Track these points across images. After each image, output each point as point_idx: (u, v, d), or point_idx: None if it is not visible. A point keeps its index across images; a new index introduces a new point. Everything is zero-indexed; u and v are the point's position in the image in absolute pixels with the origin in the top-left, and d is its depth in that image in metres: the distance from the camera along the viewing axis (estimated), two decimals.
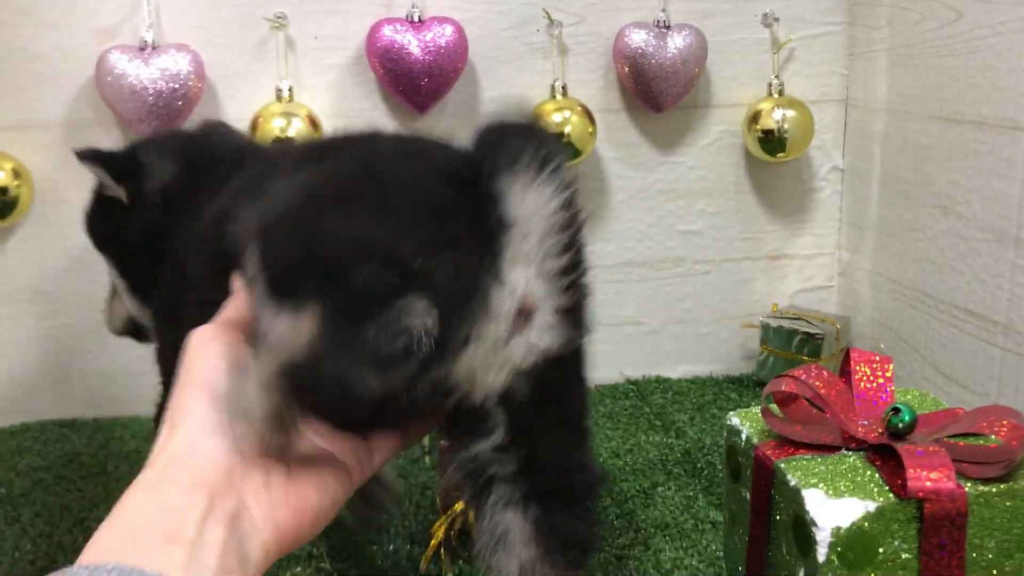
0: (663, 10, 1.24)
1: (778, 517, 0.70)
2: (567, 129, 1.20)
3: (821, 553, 0.64)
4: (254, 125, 1.17)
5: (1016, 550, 0.67)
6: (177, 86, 1.14)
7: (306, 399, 0.53)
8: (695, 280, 1.36)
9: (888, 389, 0.76)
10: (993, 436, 0.69)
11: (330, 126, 1.20)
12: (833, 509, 0.64)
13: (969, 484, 0.65)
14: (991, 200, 1.05)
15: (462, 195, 0.57)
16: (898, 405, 0.71)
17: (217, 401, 0.55)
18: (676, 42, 1.23)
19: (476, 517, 0.64)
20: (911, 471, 0.63)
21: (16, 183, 1.15)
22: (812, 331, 1.26)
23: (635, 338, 1.36)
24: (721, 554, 0.89)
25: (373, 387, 0.52)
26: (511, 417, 0.59)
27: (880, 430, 0.71)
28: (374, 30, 1.18)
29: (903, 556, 0.65)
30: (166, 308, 0.79)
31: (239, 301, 0.60)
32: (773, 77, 1.28)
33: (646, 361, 1.36)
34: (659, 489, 1.04)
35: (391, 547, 0.94)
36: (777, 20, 1.28)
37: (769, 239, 1.36)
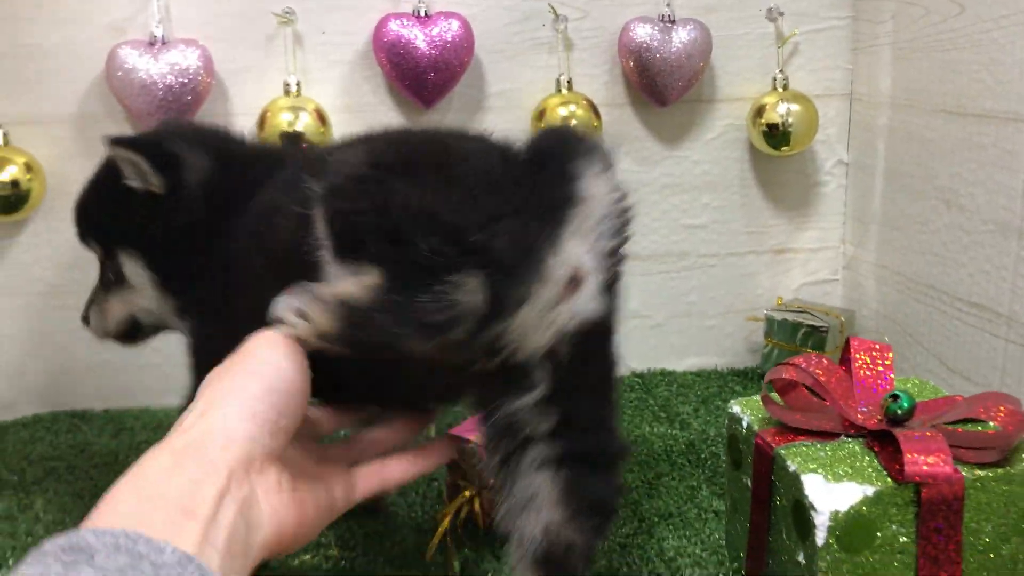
0: (668, 4, 1.25)
1: (778, 502, 0.71)
2: (572, 123, 1.21)
3: (820, 537, 0.65)
4: (262, 119, 1.18)
5: (1012, 534, 0.67)
6: (186, 81, 1.15)
7: (356, 337, 0.59)
8: (700, 274, 1.36)
9: (888, 377, 0.77)
10: (991, 422, 0.70)
11: (337, 120, 1.21)
12: (832, 493, 0.65)
13: (966, 469, 0.66)
14: (994, 193, 1.06)
15: (523, 172, 0.64)
16: (897, 392, 0.72)
17: (266, 393, 0.57)
18: (681, 36, 1.23)
19: (503, 483, 0.67)
20: (908, 456, 0.64)
21: (28, 177, 1.16)
22: (816, 324, 1.27)
23: (640, 331, 1.37)
24: (723, 542, 0.90)
25: (416, 348, 0.58)
26: (553, 375, 0.64)
27: (879, 417, 0.72)
28: (381, 25, 1.19)
29: (901, 540, 0.66)
30: (214, 300, 0.78)
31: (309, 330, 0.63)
32: (777, 71, 1.29)
33: (651, 354, 1.37)
34: (663, 479, 1.05)
35: (398, 536, 0.95)
36: (782, 14, 1.28)
37: (774, 233, 1.37)
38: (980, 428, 0.71)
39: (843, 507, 0.65)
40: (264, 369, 0.59)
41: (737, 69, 1.30)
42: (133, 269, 0.84)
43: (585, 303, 0.64)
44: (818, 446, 0.70)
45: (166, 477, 0.51)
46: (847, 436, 0.72)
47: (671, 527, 0.95)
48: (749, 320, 1.36)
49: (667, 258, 1.35)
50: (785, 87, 1.29)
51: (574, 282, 0.63)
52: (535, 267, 0.61)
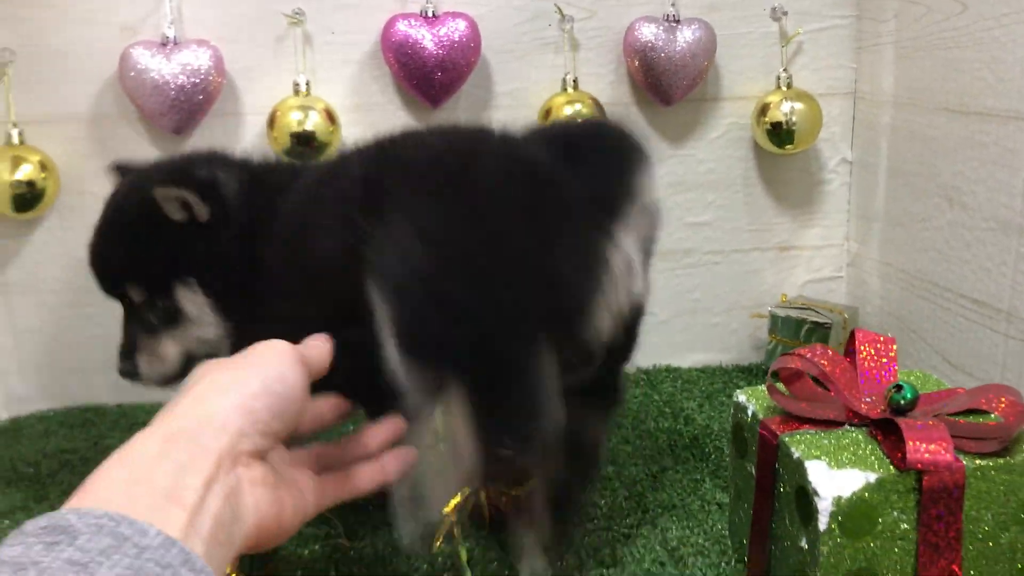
0: (672, 4, 1.26)
1: (782, 489, 0.72)
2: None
3: (822, 522, 0.66)
4: (272, 118, 1.20)
5: (1012, 523, 0.69)
6: (198, 81, 1.17)
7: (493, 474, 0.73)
8: (705, 271, 1.38)
9: (891, 368, 0.78)
10: (992, 413, 0.71)
11: (346, 119, 1.23)
12: (834, 480, 0.66)
13: (967, 458, 0.67)
14: (995, 190, 1.07)
15: (570, 178, 0.71)
16: (900, 383, 0.73)
17: (265, 393, 0.58)
18: (685, 36, 1.25)
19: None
20: (910, 443, 0.66)
21: (43, 175, 1.18)
22: (820, 320, 1.28)
23: (646, 328, 1.37)
24: (726, 532, 0.91)
25: (524, 454, 0.66)
26: (607, 349, 0.74)
27: (882, 407, 0.73)
28: (389, 25, 1.21)
29: (902, 526, 0.67)
30: (261, 311, 0.80)
31: (322, 351, 0.67)
32: (781, 70, 1.30)
33: (657, 351, 1.38)
34: (667, 473, 1.07)
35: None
36: (785, 14, 1.30)
37: (778, 230, 1.38)
38: (982, 419, 0.72)
39: (845, 493, 0.66)
40: (267, 371, 0.60)
41: (741, 68, 1.32)
42: (192, 300, 0.83)
43: (637, 287, 0.73)
44: (822, 434, 0.72)
45: (155, 461, 0.51)
46: (851, 425, 0.73)
47: (675, 518, 0.97)
48: (753, 317, 1.37)
49: (672, 255, 1.37)
50: (789, 86, 1.30)
51: (629, 271, 0.71)
52: (605, 270, 0.69)
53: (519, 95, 1.27)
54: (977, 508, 0.68)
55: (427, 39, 1.20)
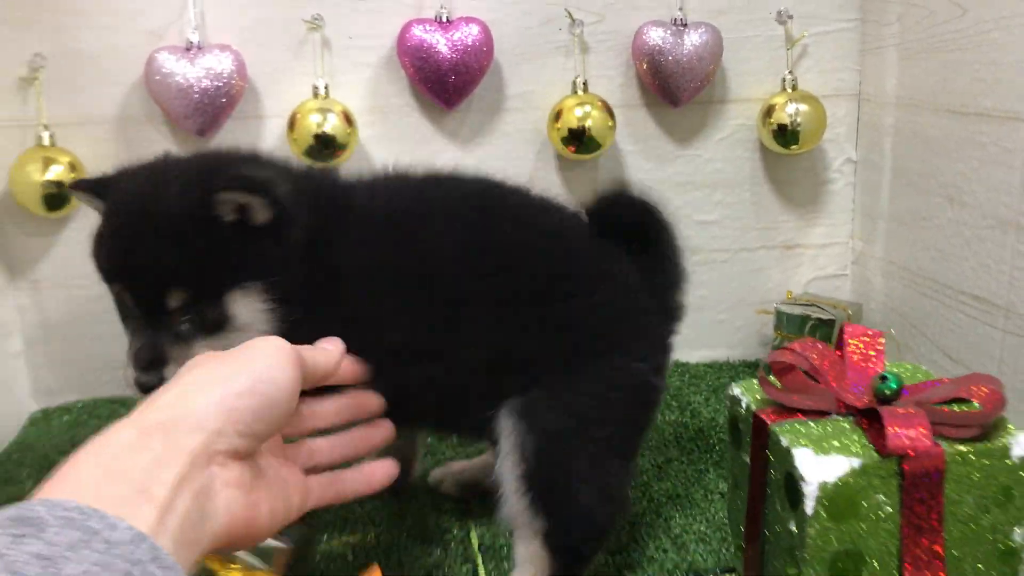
0: (680, 8, 1.29)
1: (772, 475, 0.75)
2: (588, 123, 1.27)
3: (809, 506, 0.69)
4: (292, 120, 1.24)
5: (992, 505, 0.72)
6: (221, 84, 1.21)
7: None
8: (712, 268, 1.41)
9: (879, 361, 0.81)
10: (973, 402, 0.74)
11: (363, 121, 1.27)
12: (820, 465, 0.70)
13: (947, 444, 0.71)
14: (994, 189, 1.10)
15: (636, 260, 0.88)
16: (885, 374, 0.76)
17: (250, 393, 0.58)
18: (692, 39, 1.28)
19: None
20: (891, 430, 0.69)
21: (72, 176, 1.23)
22: (824, 316, 1.31)
23: None
24: (727, 520, 0.95)
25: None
26: None
27: (869, 397, 0.77)
28: (405, 30, 1.25)
29: (886, 509, 0.71)
30: (324, 314, 0.79)
31: (330, 356, 0.68)
32: (787, 72, 1.33)
33: None
34: (672, 463, 1.10)
35: (420, 515, 1.00)
36: (791, 17, 1.33)
37: (784, 229, 1.41)
38: (964, 407, 0.75)
39: (830, 478, 0.69)
40: (256, 370, 0.59)
41: (748, 71, 1.35)
42: (247, 306, 0.77)
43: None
44: (811, 424, 0.75)
45: (129, 453, 0.50)
46: (838, 415, 0.76)
47: (678, 507, 1.00)
48: (759, 313, 1.41)
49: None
50: (794, 88, 1.33)
51: None
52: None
53: (530, 97, 1.31)
54: (958, 491, 0.71)
55: (441, 43, 1.24)
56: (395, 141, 1.30)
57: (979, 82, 1.12)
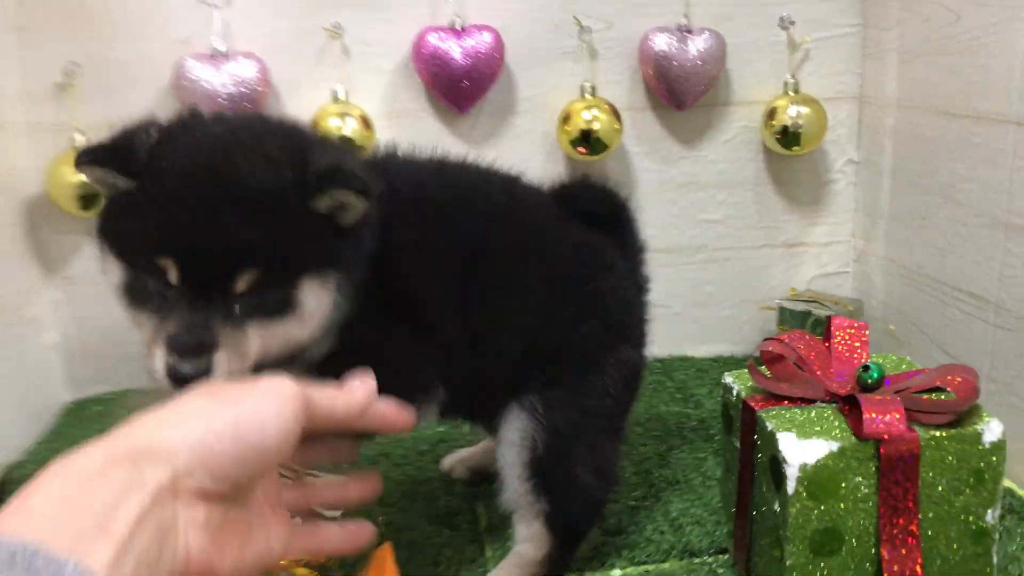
0: (685, 15, 1.34)
1: (759, 458, 0.80)
2: (595, 126, 1.32)
3: (791, 487, 0.74)
4: (313, 124, 1.30)
5: (965, 487, 0.76)
6: (245, 90, 1.27)
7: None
8: (716, 266, 1.46)
9: (863, 352, 0.86)
10: (948, 390, 0.79)
11: (381, 125, 1.32)
12: (801, 448, 0.75)
13: (922, 429, 0.75)
14: (986, 188, 1.14)
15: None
16: (868, 363, 0.81)
17: (232, 437, 0.54)
18: (697, 45, 1.33)
19: None
20: (868, 415, 0.74)
21: None
22: (824, 312, 1.36)
23: (661, 320, 1.43)
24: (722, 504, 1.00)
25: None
26: None
27: (852, 385, 0.81)
28: (420, 38, 1.30)
29: (864, 491, 0.75)
30: (378, 304, 0.77)
31: (350, 402, 0.62)
32: (789, 76, 1.37)
33: (671, 341, 1.47)
34: (674, 452, 1.15)
35: (432, 496, 1.06)
36: (794, 23, 1.37)
37: (787, 228, 1.45)
38: (943, 396, 0.79)
39: (811, 460, 0.74)
40: (247, 414, 0.55)
41: (751, 74, 1.39)
42: (315, 294, 0.71)
43: None
44: (796, 410, 0.80)
45: (92, 482, 0.48)
46: (823, 402, 0.81)
47: (678, 492, 1.05)
48: (763, 310, 1.45)
49: (686, 251, 1.45)
50: (796, 91, 1.37)
51: None
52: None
53: (540, 101, 1.37)
54: (933, 474, 0.76)
55: (455, 50, 1.30)
56: (411, 144, 1.35)
57: (972, 85, 1.16)
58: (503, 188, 0.90)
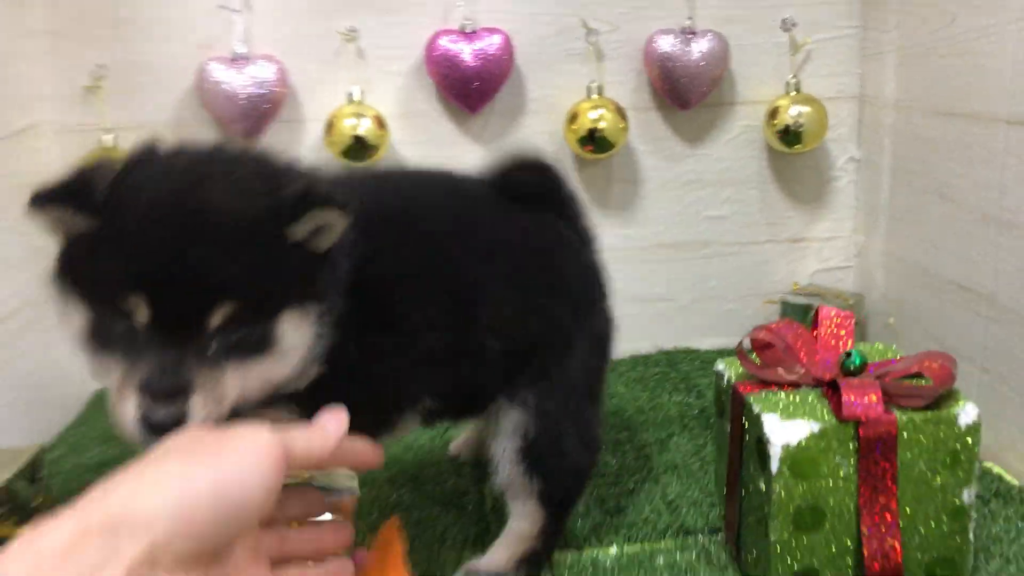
0: (689, 18, 1.38)
1: (747, 440, 0.85)
2: (601, 125, 1.36)
3: (774, 466, 0.79)
4: (329, 124, 1.35)
5: (941, 467, 0.80)
6: (264, 91, 1.33)
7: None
8: (722, 261, 1.50)
9: (848, 340, 0.90)
10: (926, 376, 0.83)
11: (394, 125, 1.37)
12: (785, 429, 0.79)
13: (901, 412, 0.80)
14: (979, 186, 1.18)
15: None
16: (851, 351, 0.85)
17: (213, 497, 0.52)
18: (700, 47, 1.37)
19: None
20: (846, 398, 0.78)
21: None
22: None
23: (667, 313, 1.51)
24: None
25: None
26: None
27: (835, 371, 0.86)
28: (432, 41, 1.36)
29: (844, 470, 0.80)
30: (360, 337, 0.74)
31: (324, 442, 0.60)
32: (791, 76, 1.41)
33: (677, 333, 1.51)
34: (674, 438, 1.20)
35: (440, 479, 1.11)
36: (795, 25, 1.41)
37: (790, 224, 1.49)
38: (923, 382, 0.83)
39: (793, 440, 0.79)
40: (228, 470, 0.53)
41: (754, 75, 1.43)
42: (296, 329, 0.68)
43: None
44: (781, 394, 0.84)
45: (61, 558, 0.46)
46: (807, 387, 0.85)
47: (676, 476, 1.10)
48: (766, 303, 1.49)
49: (691, 246, 1.49)
50: (797, 91, 1.41)
51: None
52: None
53: (548, 101, 1.41)
54: (911, 455, 0.80)
55: (466, 53, 1.35)
56: (423, 143, 1.40)
57: (966, 86, 1.20)
58: (449, 190, 0.90)
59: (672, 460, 1.14)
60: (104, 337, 0.65)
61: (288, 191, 0.66)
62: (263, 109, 1.34)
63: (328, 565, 0.65)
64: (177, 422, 0.61)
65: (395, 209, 0.82)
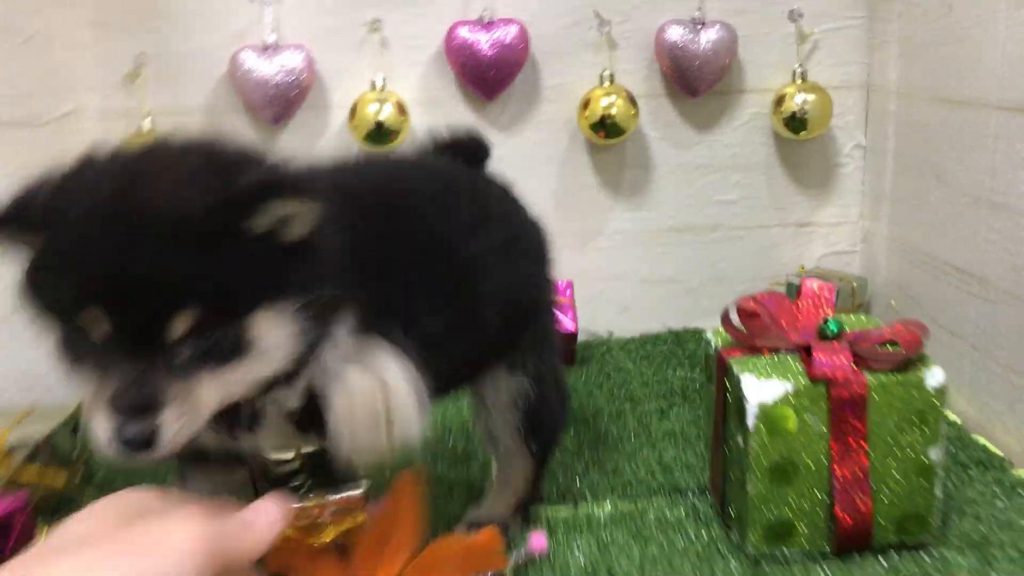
0: (699, 9, 1.44)
1: (728, 400, 0.91)
2: (613, 111, 1.42)
3: (751, 423, 0.85)
4: (353, 110, 1.42)
5: (909, 426, 0.86)
6: (293, 79, 1.41)
7: None
8: (730, 244, 1.55)
9: (829, 311, 0.95)
10: (899, 343, 0.88)
11: (415, 111, 1.44)
12: (760, 388, 0.85)
13: (871, 375, 0.85)
14: (971, 169, 1.22)
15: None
16: (829, 318, 0.91)
17: None
18: (709, 36, 1.43)
19: None
20: (817, 359, 0.84)
21: None
22: None
23: (676, 294, 1.57)
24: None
25: None
26: None
27: (815, 337, 0.91)
28: (451, 31, 1.43)
29: (818, 428, 0.85)
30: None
31: (263, 535, 0.58)
32: (797, 65, 1.46)
33: (686, 314, 1.56)
34: (675, 408, 1.26)
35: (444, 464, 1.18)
36: (802, 16, 1.46)
37: (797, 209, 1.54)
38: (893, 348, 0.89)
39: (768, 399, 0.84)
40: (145, 573, 0.49)
41: (762, 64, 1.49)
42: (273, 329, 0.64)
43: None
44: (761, 358, 0.90)
45: None
46: (787, 352, 0.91)
47: (673, 442, 1.16)
48: (772, 286, 1.54)
49: (701, 230, 1.55)
50: (804, 79, 1.46)
51: None
52: None
53: (562, 89, 1.48)
54: (881, 414, 0.85)
55: (483, 42, 1.41)
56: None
57: (960, 73, 1.24)
58: (423, 173, 0.92)
59: (671, 428, 1.19)
60: (74, 352, 0.63)
61: (241, 183, 0.62)
62: (292, 96, 1.41)
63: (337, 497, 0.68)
64: (148, 438, 0.60)
65: (382, 192, 0.82)
